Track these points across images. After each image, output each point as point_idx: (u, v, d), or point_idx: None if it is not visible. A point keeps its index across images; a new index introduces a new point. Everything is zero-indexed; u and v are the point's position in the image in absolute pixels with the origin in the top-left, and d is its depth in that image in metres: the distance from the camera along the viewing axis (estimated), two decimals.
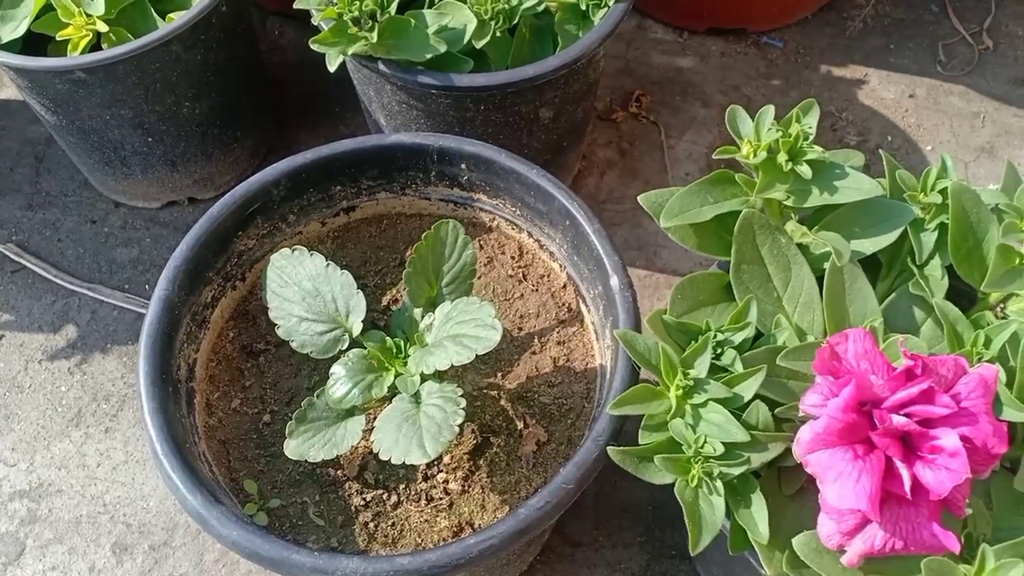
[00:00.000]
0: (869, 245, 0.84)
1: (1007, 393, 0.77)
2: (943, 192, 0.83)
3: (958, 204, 0.82)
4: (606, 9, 1.07)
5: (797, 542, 0.70)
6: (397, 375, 0.81)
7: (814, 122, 0.84)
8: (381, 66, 1.02)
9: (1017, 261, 0.80)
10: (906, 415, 0.65)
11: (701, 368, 0.77)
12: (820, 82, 1.47)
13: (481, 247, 0.97)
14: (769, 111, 0.84)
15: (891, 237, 0.84)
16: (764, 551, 0.73)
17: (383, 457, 0.74)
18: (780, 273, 0.85)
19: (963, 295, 0.87)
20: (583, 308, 0.92)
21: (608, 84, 1.49)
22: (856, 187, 0.82)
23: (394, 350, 0.83)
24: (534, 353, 0.91)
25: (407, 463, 0.73)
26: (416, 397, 0.80)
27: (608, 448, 0.74)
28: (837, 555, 0.68)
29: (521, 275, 0.96)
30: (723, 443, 0.73)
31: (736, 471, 0.73)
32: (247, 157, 1.32)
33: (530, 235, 0.95)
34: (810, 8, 1.53)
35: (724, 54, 1.52)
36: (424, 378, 0.81)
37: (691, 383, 0.75)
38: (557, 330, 0.92)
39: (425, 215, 0.98)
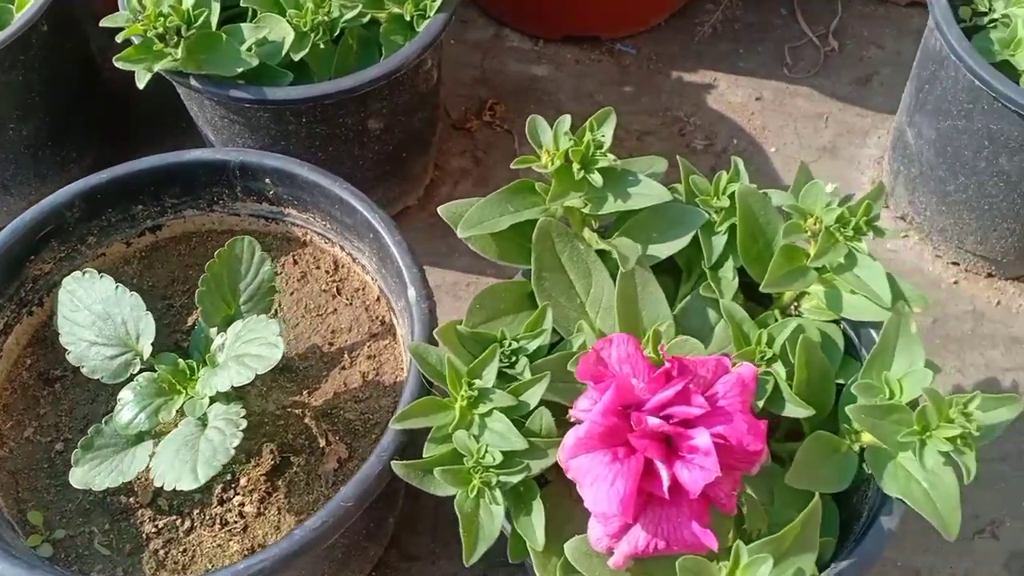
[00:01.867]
0: (665, 249, 0.85)
1: (787, 390, 0.78)
2: (732, 196, 0.84)
3: (745, 206, 0.83)
4: (429, 19, 1.07)
5: (569, 547, 0.70)
6: (188, 398, 0.80)
7: (609, 132, 0.84)
8: (193, 81, 1.00)
9: (801, 261, 0.82)
10: (666, 416, 0.66)
11: (488, 378, 0.77)
12: (671, 88, 1.49)
13: (295, 262, 0.96)
14: (565, 120, 0.84)
15: (684, 241, 0.85)
16: (539, 558, 0.73)
17: (157, 484, 0.73)
18: (582, 279, 0.85)
19: (765, 296, 0.89)
20: (395, 321, 0.91)
21: (463, 93, 1.49)
22: (648, 193, 0.83)
23: (187, 372, 0.82)
24: (344, 368, 0.90)
25: (178, 489, 0.71)
26: (203, 420, 0.78)
27: (392, 463, 0.73)
28: (606, 558, 0.68)
29: (335, 289, 0.95)
30: (504, 452, 0.73)
31: (516, 479, 0.73)
32: (85, 176, 1.29)
33: (342, 248, 0.94)
34: (662, 15, 1.55)
35: (579, 62, 1.53)
36: (214, 400, 0.79)
37: (475, 393, 0.75)
38: (368, 344, 0.91)
39: (237, 231, 0.97)
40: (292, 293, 0.95)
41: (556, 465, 0.74)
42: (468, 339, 0.80)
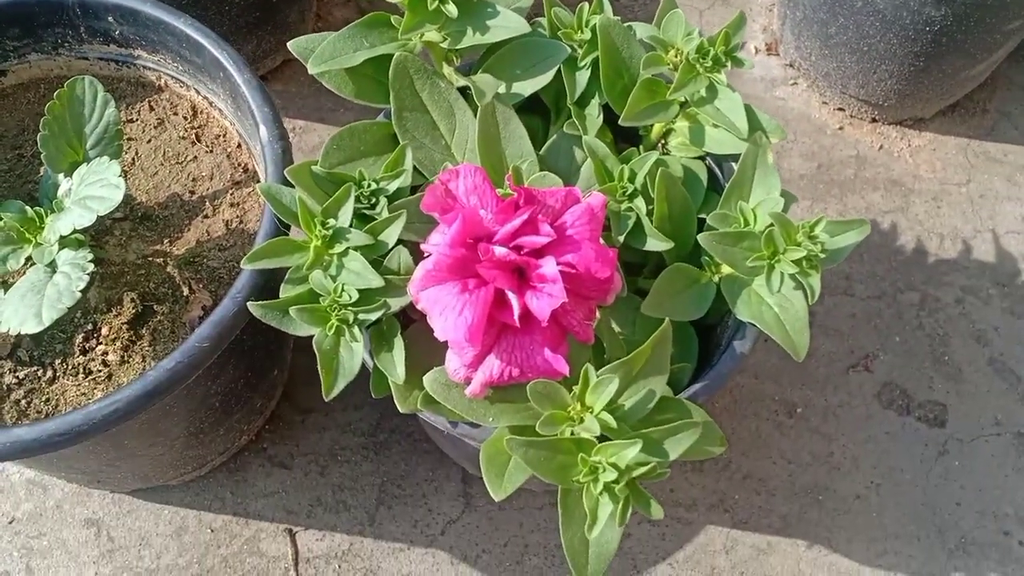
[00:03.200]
0: (528, 86, 0.83)
1: (648, 224, 0.79)
2: (594, 29, 0.81)
3: (607, 39, 0.81)
4: None
5: (427, 379, 0.70)
6: (36, 245, 0.76)
7: None
8: None
9: (663, 95, 0.80)
10: (516, 247, 0.65)
11: (344, 218, 0.75)
12: None
13: (151, 108, 0.92)
14: None
15: (547, 77, 0.82)
16: (400, 391, 0.73)
17: (2, 329, 0.70)
18: (445, 119, 0.83)
19: (635, 135, 0.88)
20: (257, 167, 0.88)
21: None
22: (506, 25, 0.80)
23: (36, 220, 0.78)
24: (206, 217, 0.87)
25: (23, 332, 0.69)
26: (52, 266, 0.75)
27: (248, 304, 0.72)
28: (464, 387, 0.69)
29: (195, 136, 0.91)
30: (360, 290, 0.72)
31: (374, 315, 0.73)
32: None
33: (198, 92, 0.90)
34: None
35: None
36: (64, 246, 0.76)
37: (330, 232, 0.73)
38: (231, 192, 0.88)
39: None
40: (149, 141, 0.91)
41: None
42: (324, 180, 0.78)
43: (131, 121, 0.92)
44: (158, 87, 0.92)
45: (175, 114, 0.92)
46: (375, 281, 0.72)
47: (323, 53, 0.79)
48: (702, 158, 0.85)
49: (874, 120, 1.27)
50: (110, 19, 0.85)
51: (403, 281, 0.74)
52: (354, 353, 0.73)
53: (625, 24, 0.84)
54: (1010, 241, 1.20)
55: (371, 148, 0.83)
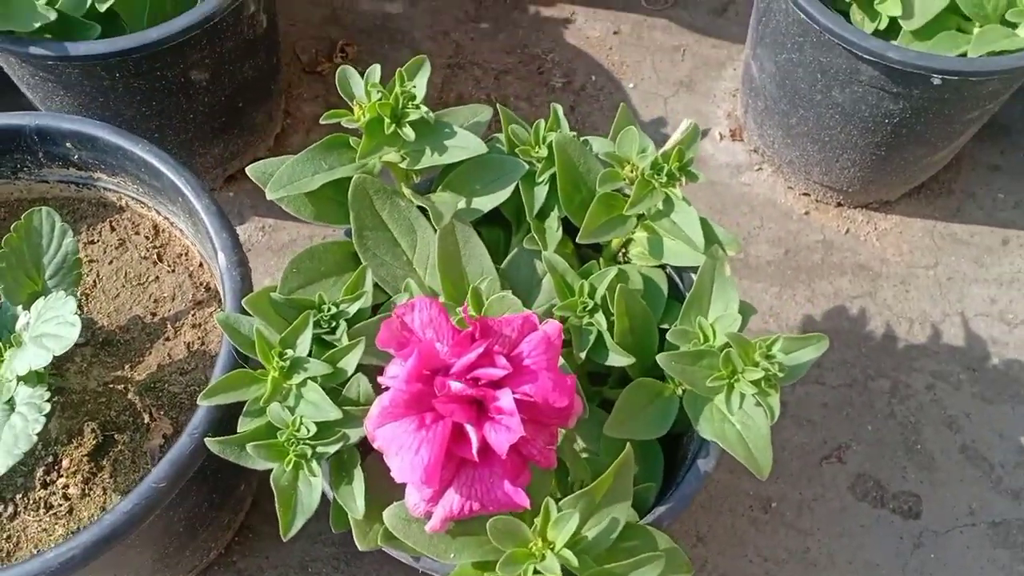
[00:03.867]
0: (487, 202, 0.83)
1: (609, 339, 0.78)
2: (550, 146, 0.82)
3: (564, 156, 0.82)
4: None
5: (387, 514, 0.69)
6: None
7: (422, 82, 0.81)
8: None
9: (620, 209, 0.81)
10: (472, 379, 0.65)
11: (303, 346, 0.74)
12: (528, 23, 1.45)
13: (112, 228, 0.91)
14: (375, 71, 0.81)
15: (506, 193, 0.83)
16: (359, 527, 0.72)
17: None
18: (406, 236, 0.83)
19: (597, 245, 0.88)
20: (219, 287, 0.88)
21: (314, 35, 1.43)
22: (464, 146, 0.81)
23: None
24: (168, 339, 0.87)
25: None
26: (10, 403, 0.74)
27: (207, 440, 0.71)
28: (425, 523, 0.68)
29: (157, 256, 0.90)
30: (319, 422, 0.72)
31: (332, 448, 0.72)
32: None
33: (159, 213, 0.90)
34: None
35: None
36: (23, 380, 0.75)
37: (287, 363, 0.73)
38: (194, 312, 0.88)
39: (49, 198, 0.92)
40: (111, 262, 0.90)
41: None
42: (284, 307, 0.77)
43: (92, 242, 0.91)
44: (119, 207, 0.92)
45: (137, 234, 0.92)
46: (333, 413, 0.72)
47: (281, 178, 0.80)
48: (663, 266, 0.86)
49: (840, 204, 1.29)
50: (68, 145, 0.86)
51: (362, 412, 0.73)
52: (312, 488, 0.72)
53: (581, 139, 0.85)
54: (979, 324, 1.21)
55: (331, 269, 0.83)
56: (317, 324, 0.76)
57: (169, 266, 0.91)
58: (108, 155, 0.86)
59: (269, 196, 0.79)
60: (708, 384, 0.73)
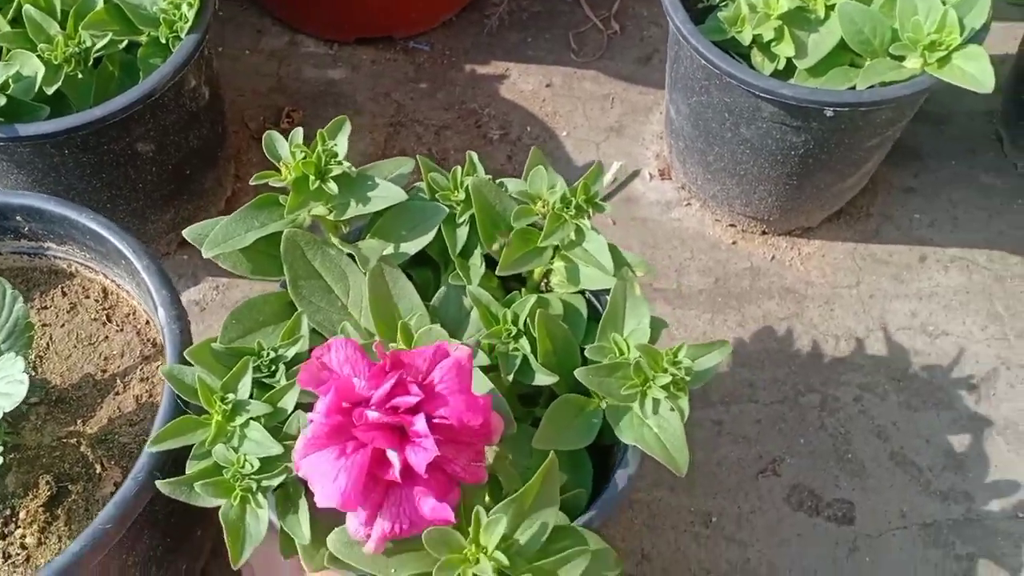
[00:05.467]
0: (413, 246, 0.89)
1: (534, 361, 0.83)
2: (467, 189, 0.89)
3: (480, 197, 0.88)
4: (182, 41, 1.08)
5: (331, 539, 0.73)
6: None
7: (343, 140, 0.88)
8: None
9: (536, 242, 0.87)
10: (391, 408, 0.70)
11: (244, 391, 0.80)
12: (465, 81, 1.54)
13: (64, 293, 0.97)
14: (297, 133, 0.88)
15: (429, 236, 0.89)
16: (306, 551, 0.76)
17: None
18: (339, 283, 0.89)
19: (519, 278, 0.94)
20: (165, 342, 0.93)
21: (261, 103, 1.51)
22: (385, 195, 0.87)
23: None
24: (117, 394, 0.92)
25: None
26: None
27: (157, 483, 0.76)
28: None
29: (106, 317, 0.96)
30: (263, 457, 0.76)
31: (276, 481, 0.76)
32: None
33: (106, 276, 0.95)
34: (451, 10, 1.59)
35: (375, 62, 1.56)
36: None
37: (229, 407, 0.78)
38: (141, 367, 0.93)
39: (3, 268, 0.97)
40: (63, 325, 0.95)
41: None
42: (224, 355, 0.83)
43: (45, 308, 0.97)
44: (69, 273, 0.97)
45: (87, 297, 0.97)
46: (275, 449, 0.77)
47: (216, 237, 0.86)
48: (582, 292, 0.92)
49: (764, 233, 1.36)
50: (18, 218, 0.91)
51: None
52: (260, 519, 0.76)
53: (497, 181, 0.91)
54: (901, 337, 1.27)
55: (270, 318, 0.89)
56: (257, 369, 0.82)
57: (118, 325, 0.96)
58: (56, 225, 0.91)
59: (205, 254, 0.85)
60: (623, 392, 0.79)
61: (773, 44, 1.13)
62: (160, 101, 1.07)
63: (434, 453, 0.68)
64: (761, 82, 1.06)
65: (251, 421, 0.78)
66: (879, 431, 1.20)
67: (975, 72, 1.04)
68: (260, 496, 0.76)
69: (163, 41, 1.09)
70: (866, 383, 1.23)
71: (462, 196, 0.90)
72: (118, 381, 0.92)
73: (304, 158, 0.85)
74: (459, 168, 0.91)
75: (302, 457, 0.70)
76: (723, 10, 1.14)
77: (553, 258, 0.89)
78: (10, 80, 1.03)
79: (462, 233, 0.90)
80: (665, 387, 0.78)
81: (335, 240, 0.90)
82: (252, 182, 0.86)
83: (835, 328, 1.28)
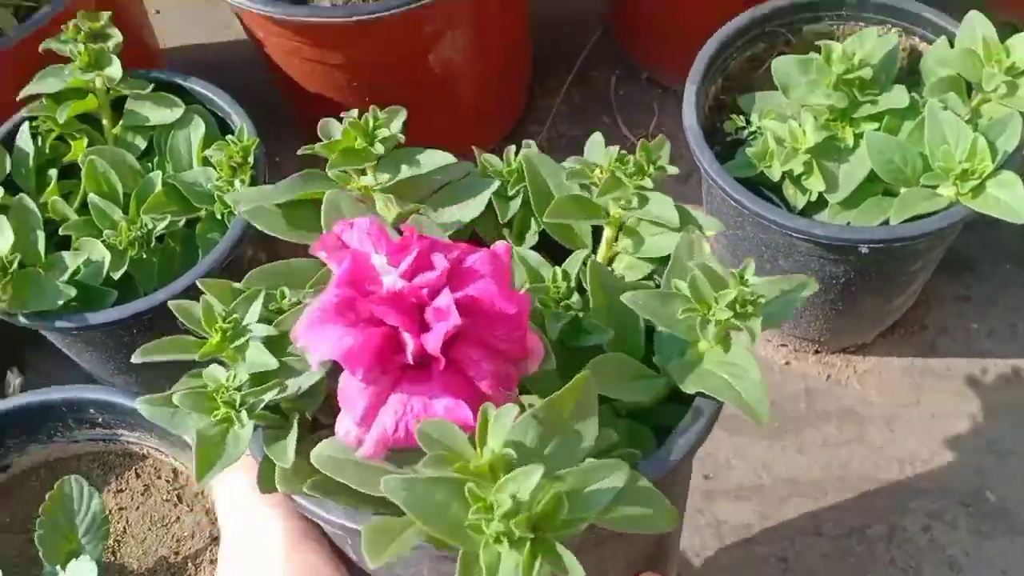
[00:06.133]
0: (467, 214, 0.83)
1: (589, 319, 0.74)
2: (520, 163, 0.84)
3: (532, 168, 0.84)
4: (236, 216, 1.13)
5: (315, 452, 0.63)
6: None
7: (397, 124, 0.85)
8: (23, 319, 1.07)
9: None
10: (413, 287, 0.60)
11: (251, 316, 0.72)
12: None
13: (137, 475, 1.01)
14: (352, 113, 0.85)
15: (479, 205, 0.83)
16: (287, 477, 0.66)
17: None
18: None
19: None
20: None
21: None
22: (433, 160, 0.84)
23: None
24: None
25: None
26: None
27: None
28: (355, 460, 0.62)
29: (177, 497, 1.00)
30: (255, 374, 0.69)
31: (267, 396, 0.68)
32: None
33: (175, 459, 1.00)
34: (492, 142, 1.60)
35: None
36: None
37: (230, 326, 0.71)
38: (211, 548, 0.97)
39: (82, 455, 1.03)
40: (138, 508, 1.00)
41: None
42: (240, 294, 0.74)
43: (121, 491, 1.01)
44: (142, 455, 1.02)
45: (159, 478, 1.01)
46: (271, 363, 0.69)
47: (251, 194, 0.84)
48: (651, 277, 0.82)
49: (817, 352, 1.34)
50: (91, 411, 0.97)
51: (302, 362, 0.69)
52: (240, 439, 0.68)
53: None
54: (967, 458, 1.24)
55: (300, 281, 0.77)
56: (279, 311, 0.73)
57: (188, 505, 1.00)
58: (126, 415, 0.96)
59: (241, 210, 0.82)
60: (679, 318, 0.68)
61: (803, 178, 1.14)
62: (219, 276, 1.13)
63: (455, 322, 0.57)
64: (792, 222, 1.06)
65: (251, 342, 0.70)
66: (951, 562, 1.14)
67: (1010, 200, 1.02)
68: (244, 414, 0.67)
69: (218, 216, 1.15)
70: (934, 510, 1.18)
71: (515, 167, 0.86)
72: (190, 564, 0.96)
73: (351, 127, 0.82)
74: (512, 147, 0.88)
75: (304, 330, 0.59)
76: (751, 145, 1.16)
77: (617, 239, 0.83)
78: (81, 266, 1.10)
79: (514, 204, 0.86)
80: (731, 305, 0.66)
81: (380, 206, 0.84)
82: (299, 153, 0.84)
83: (898, 451, 1.24)
